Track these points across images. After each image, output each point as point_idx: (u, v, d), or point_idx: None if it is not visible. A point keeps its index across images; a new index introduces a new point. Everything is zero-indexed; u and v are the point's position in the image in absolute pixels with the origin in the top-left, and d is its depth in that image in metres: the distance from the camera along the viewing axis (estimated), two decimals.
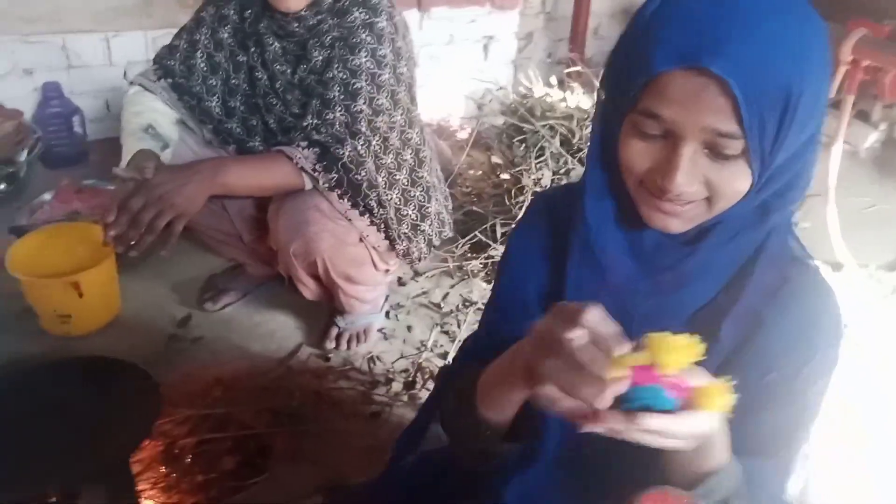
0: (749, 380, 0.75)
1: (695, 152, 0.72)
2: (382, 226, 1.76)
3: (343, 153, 1.62)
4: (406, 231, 1.84)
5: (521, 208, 2.23)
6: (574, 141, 2.30)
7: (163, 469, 1.72)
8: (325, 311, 2.04)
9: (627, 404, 0.65)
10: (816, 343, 0.81)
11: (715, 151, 0.71)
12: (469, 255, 2.31)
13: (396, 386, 1.89)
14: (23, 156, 2.40)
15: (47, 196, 2.40)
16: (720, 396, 0.65)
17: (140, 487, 1.66)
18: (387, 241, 1.81)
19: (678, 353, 0.63)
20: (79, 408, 1.56)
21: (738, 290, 0.80)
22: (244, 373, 1.94)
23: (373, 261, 1.82)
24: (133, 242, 1.47)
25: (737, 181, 0.73)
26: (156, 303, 2.15)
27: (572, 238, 0.85)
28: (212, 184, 1.53)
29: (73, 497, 1.45)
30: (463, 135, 3.11)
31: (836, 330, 0.83)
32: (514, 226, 1.00)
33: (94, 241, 2.00)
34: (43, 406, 1.55)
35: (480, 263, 2.27)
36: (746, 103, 0.67)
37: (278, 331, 2.08)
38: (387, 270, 1.93)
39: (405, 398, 1.84)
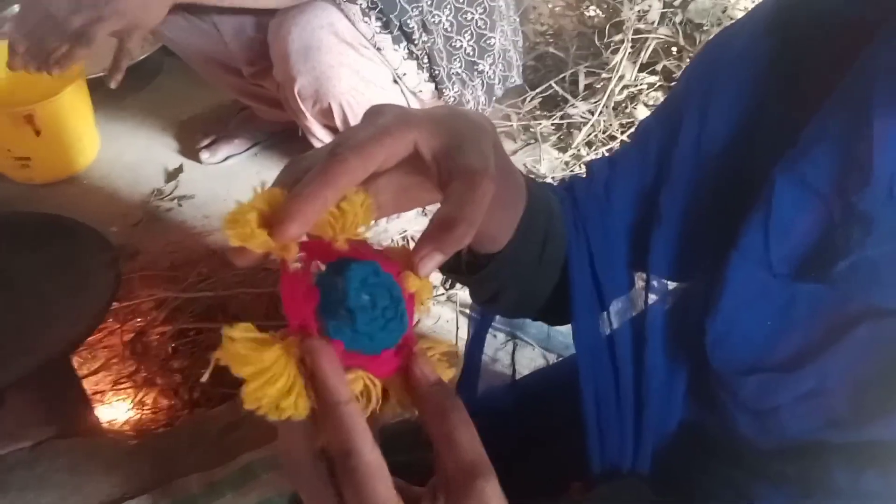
0: None
1: None
2: (425, 59, 1.26)
3: None
4: (459, 70, 1.33)
5: (614, 52, 1.67)
6: None
7: (130, 364, 1.36)
8: None
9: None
10: None
11: None
12: (539, 112, 1.80)
13: (433, 276, 1.45)
14: None
15: (18, 7, 1.94)
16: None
17: (97, 387, 1.31)
18: (431, 84, 1.32)
19: (345, 216, 0.36)
20: (11, 282, 1.20)
21: None
22: None
23: None
24: (55, 58, 1.02)
25: None
26: (142, 148, 1.78)
27: (816, 83, 0.48)
28: None
29: None
30: None
31: None
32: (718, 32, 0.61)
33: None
34: None
35: (553, 125, 1.77)
36: None
37: None
38: None
39: (443, 297, 1.41)
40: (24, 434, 1.16)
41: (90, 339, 1.26)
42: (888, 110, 0.42)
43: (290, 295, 0.34)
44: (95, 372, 1.34)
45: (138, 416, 1.32)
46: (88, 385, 1.30)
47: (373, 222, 0.38)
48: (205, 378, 0.32)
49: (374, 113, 0.39)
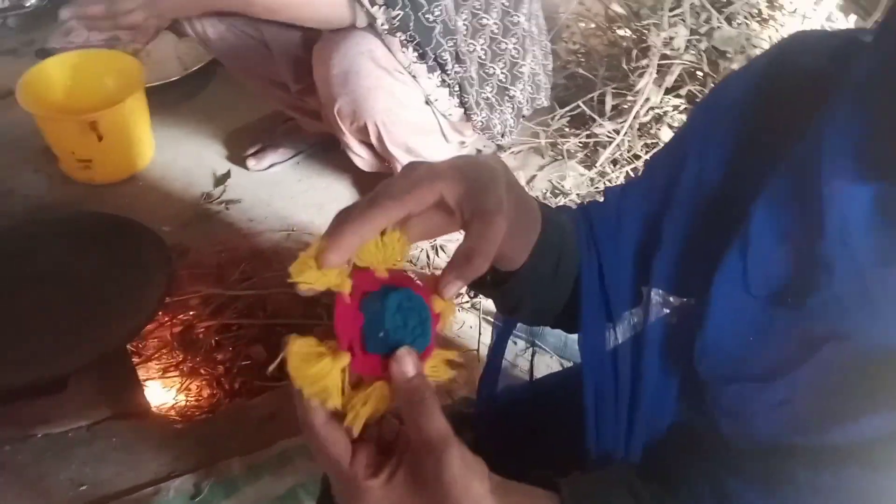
0: None
1: None
2: (456, 87, 1.35)
3: None
4: (489, 96, 1.42)
5: (641, 74, 1.75)
6: None
7: (178, 354, 1.47)
8: None
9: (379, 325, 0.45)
10: None
11: None
12: (567, 130, 1.88)
13: None
14: None
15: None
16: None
17: (148, 374, 1.43)
18: (461, 110, 1.40)
19: (385, 250, 0.46)
20: (75, 277, 1.32)
21: None
22: (283, 248, 1.64)
23: (442, 131, 1.42)
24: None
25: None
26: (194, 153, 1.88)
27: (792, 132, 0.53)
28: None
29: (59, 384, 1.21)
30: None
31: None
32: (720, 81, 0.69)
33: (128, 74, 1.70)
34: (35, 272, 1.32)
35: (580, 143, 1.84)
36: None
37: (329, 203, 1.76)
38: (462, 143, 1.53)
39: (467, 304, 1.50)
40: (83, 414, 1.28)
41: (143, 329, 1.36)
42: (833, 172, 0.49)
43: (342, 319, 0.44)
44: (147, 360, 1.45)
45: (184, 402, 1.43)
46: (140, 372, 1.41)
47: (408, 254, 0.48)
48: (271, 369, 0.43)
49: (409, 168, 0.49)
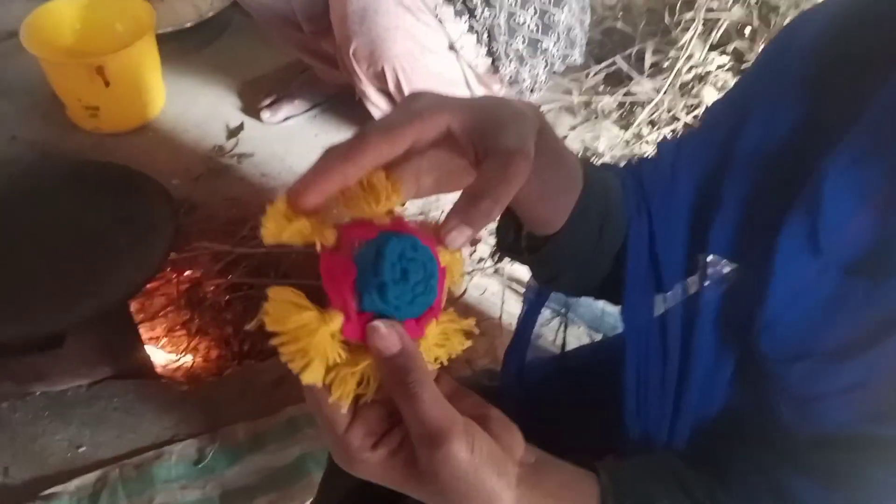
0: None
1: None
2: (485, 35, 1.24)
3: None
4: (519, 47, 1.31)
5: (684, 30, 1.62)
6: None
7: (185, 313, 1.41)
8: None
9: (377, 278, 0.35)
10: None
11: None
12: (602, 87, 1.76)
13: (483, 249, 1.46)
14: None
15: None
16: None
17: (152, 333, 1.37)
18: (489, 59, 1.29)
19: (373, 193, 0.37)
20: (77, 229, 1.25)
21: None
22: None
23: (466, 82, 1.31)
24: None
25: None
26: (206, 104, 1.79)
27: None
28: None
29: (56, 340, 1.15)
30: None
31: None
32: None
33: (140, 19, 1.61)
34: (37, 223, 1.25)
35: (616, 102, 1.72)
36: None
37: None
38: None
39: (490, 269, 1.41)
40: (83, 373, 1.22)
41: (148, 286, 1.30)
42: None
43: (330, 273, 0.35)
44: (151, 318, 1.39)
45: (190, 363, 1.37)
46: (144, 330, 1.35)
47: (402, 198, 0.39)
48: (251, 326, 0.34)
49: (412, 97, 0.40)
